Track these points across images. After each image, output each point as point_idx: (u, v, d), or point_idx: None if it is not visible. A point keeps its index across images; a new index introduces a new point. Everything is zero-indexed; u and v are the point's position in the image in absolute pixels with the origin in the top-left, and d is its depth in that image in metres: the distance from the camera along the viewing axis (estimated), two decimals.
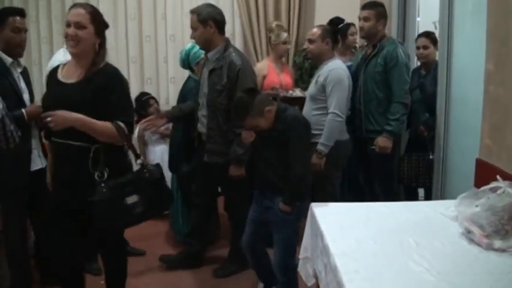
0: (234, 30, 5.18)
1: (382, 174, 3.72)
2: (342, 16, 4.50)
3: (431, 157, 3.64)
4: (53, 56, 3.55)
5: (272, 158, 2.83)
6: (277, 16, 5.01)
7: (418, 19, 4.40)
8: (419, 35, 4.02)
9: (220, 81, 3.24)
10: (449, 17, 3.27)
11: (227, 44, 3.34)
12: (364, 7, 3.72)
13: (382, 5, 3.71)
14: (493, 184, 2.06)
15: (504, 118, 2.39)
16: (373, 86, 3.61)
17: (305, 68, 4.95)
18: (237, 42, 5.16)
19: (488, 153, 2.51)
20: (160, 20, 5.16)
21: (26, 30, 3.09)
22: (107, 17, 5.11)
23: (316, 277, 2.28)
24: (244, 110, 2.75)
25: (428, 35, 3.93)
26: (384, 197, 3.63)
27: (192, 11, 3.32)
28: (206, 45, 3.34)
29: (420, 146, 3.77)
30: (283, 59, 4.66)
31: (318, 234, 2.20)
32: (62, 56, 3.47)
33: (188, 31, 5.06)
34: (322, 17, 5.02)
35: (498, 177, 2.09)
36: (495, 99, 2.47)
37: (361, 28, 3.70)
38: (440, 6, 3.36)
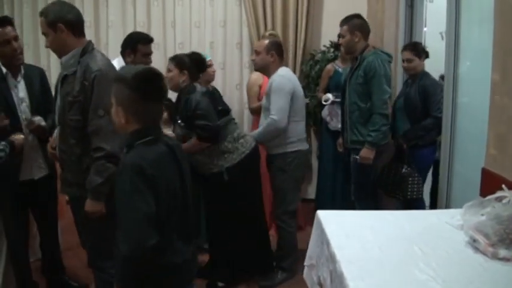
0: (241, 40, 5.22)
1: (358, 182, 3.78)
2: None
3: (404, 170, 3.67)
4: None
5: None
6: (284, 26, 5.04)
7: (424, 29, 4.42)
8: (404, 48, 4.02)
9: (72, 91, 2.54)
10: (456, 27, 3.29)
11: (87, 46, 2.63)
12: (340, 24, 3.80)
13: (357, 16, 3.77)
14: (499, 193, 2.08)
15: (510, 128, 2.40)
16: (355, 98, 3.65)
17: (312, 77, 5.00)
18: (245, 52, 5.20)
19: (494, 162, 2.52)
20: (170, 28, 5.21)
21: (16, 38, 2.95)
22: (116, 25, 5.22)
23: (321, 284, 2.28)
24: None
25: (412, 48, 3.94)
26: (358, 205, 3.74)
27: (40, 13, 2.61)
28: (61, 52, 2.63)
29: (400, 157, 3.78)
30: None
31: (323, 241, 2.22)
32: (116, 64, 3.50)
33: (197, 39, 5.16)
34: (329, 26, 5.07)
35: (504, 186, 2.11)
36: (501, 109, 2.48)
37: (341, 45, 3.87)
38: (447, 17, 3.38)
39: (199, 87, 3.42)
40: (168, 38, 5.23)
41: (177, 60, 3.43)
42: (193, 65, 3.47)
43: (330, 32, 4.97)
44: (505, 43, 2.45)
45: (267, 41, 3.67)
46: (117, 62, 3.53)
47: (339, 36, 3.87)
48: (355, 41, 3.67)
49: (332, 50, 4.89)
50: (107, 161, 2.46)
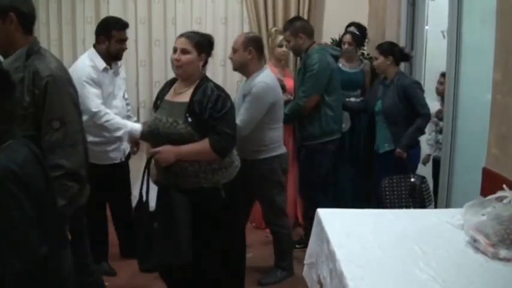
0: None
1: (306, 183, 3.93)
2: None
3: (413, 180, 3.63)
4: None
5: None
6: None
7: (426, 28, 4.41)
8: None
9: (21, 102, 2.11)
10: (458, 26, 3.28)
11: (32, 46, 2.19)
12: (283, 30, 3.90)
13: (298, 19, 3.94)
14: (499, 193, 2.07)
15: (511, 127, 2.39)
16: None
17: None
18: None
19: (495, 162, 2.51)
20: (170, 24, 5.19)
21: None
22: None
23: (320, 283, 2.28)
24: None
25: (378, 46, 3.94)
26: (308, 205, 3.92)
27: None
28: (5, 48, 2.19)
29: (401, 168, 3.71)
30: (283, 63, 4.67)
31: (324, 239, 2.21)
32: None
33: None
34: (331, 23, 5.06)
35: (504, 186, 2.10)
36: (502, 109, 2.48)
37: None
38: (449, 15, 3.37)
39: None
40: (169, 34, 5.21)
41: (197, 40, 2.71)
42: (209, 48, 2.82)
43: (331, 29, 4.96)
44: (507, 42, 2.44)
45: (239, 37, 3.42)
46: (88, 55, 3.45)
47: (287, 41, 3.96)
48: (300, 43, 3.77)
49: None
50: (69, 180, 2.16)
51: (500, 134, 2.49)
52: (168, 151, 2.62)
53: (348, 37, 4.40)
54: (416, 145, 3.85)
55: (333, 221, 2.30)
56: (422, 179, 3.65)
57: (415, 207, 3.61)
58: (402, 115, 3.72)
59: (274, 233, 3.65)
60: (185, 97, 2.69)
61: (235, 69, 3.52)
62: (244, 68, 3.39)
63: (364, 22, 4.73)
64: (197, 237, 2.62)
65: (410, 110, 3.70)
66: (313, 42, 3.80)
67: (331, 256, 2.02)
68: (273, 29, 4.62)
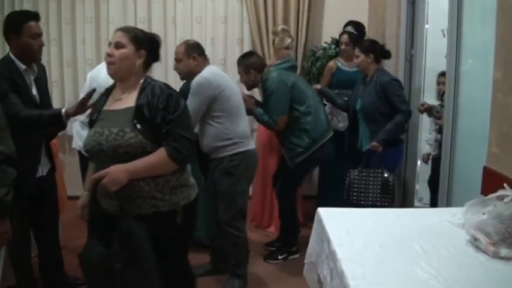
0: (242, 35, 5.21)
1: (282, 176, 4.01)
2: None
3: (386, 175, 3.61)
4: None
5: None
6: (285, 22, 5.03)
7: (426, 26, 4.40)
8: None
9: None
10: (458, 25, 3.27)
11: None
12: (237, 63, 4.00)
13: (250, 54, 4.05)
14: (500, 192, 2.07)
15: None
16: None
17: (313, 73, 4.99)
18: (246, 48, 5.18)
19: (496, 161, 2.51)
20: (170, 24, 5.20)
21: (41, 34, 3.00)
22: (117, 21, 5.20)
23: (321, 282, 2.28)
24: None
25: (360, 44, 3.94)
26: (278, 200, 4.05)
27: None
28: None
29: (382, 165, 3.69)
30: None
31: (324, 239, 2.21)
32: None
33: (198, 35, 5.16)
34: (330, 22, 5.07)
35: (505, 185, 2.09)
36: (503, 107, 2.47)
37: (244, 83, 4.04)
38: (449, 14, 3.36)
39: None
40: (169, 34, 5.22)
41: (135, 34, 2.33)
42: (152, 46, 2.40)
43: (331, 28, 4.97)
44: (508, 41, 2.44)
45: (179, 47, 3.42)
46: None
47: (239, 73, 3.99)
48: (252, 78, 3.88)
49: (333, 46, 4.88)
50: (7, 165, 2.07)
51: (501, 132, 2.49)
52: (117, 171, 2.13)
53: (345, 37, 4.39)
54: (399, 144, 3.83)
55: (334, 220, 2.30)
56: (394, 176, 3.65)
57: (384, 203, 3.59)
58: (381, 113, 3.71)
59: (230, 235, 3.41)
60: (129, 102, 2.28)
61: (182, 78, 3.57)
62: (193, 74, 3.34)
63: (364, 21, 4.74)
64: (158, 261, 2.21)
65: (390, 108, 3.69)
66: (263, 70, 3.92)
67: (331, 255, 2.01)
68: (279, 27, 4.56)
